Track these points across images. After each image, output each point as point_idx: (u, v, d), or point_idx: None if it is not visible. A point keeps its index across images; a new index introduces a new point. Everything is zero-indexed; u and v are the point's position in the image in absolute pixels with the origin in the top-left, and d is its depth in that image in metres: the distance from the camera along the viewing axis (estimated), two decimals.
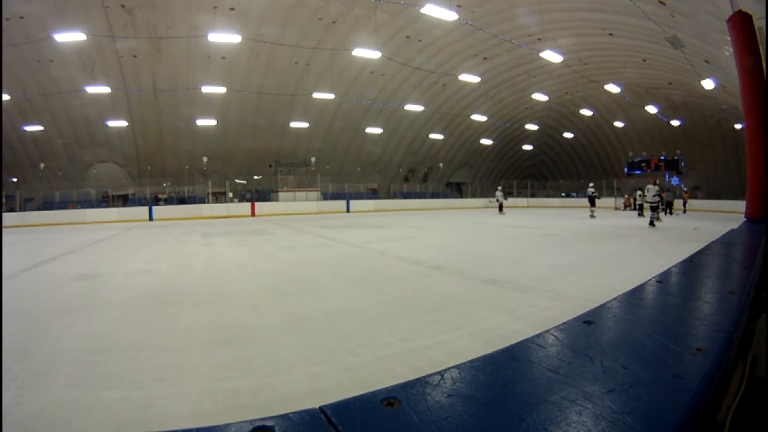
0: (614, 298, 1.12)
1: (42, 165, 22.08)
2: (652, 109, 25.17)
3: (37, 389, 2.34)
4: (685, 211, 17.84)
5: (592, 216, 17.39)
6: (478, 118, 27.71)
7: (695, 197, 22.04)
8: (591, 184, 18.89)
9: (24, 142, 21.13)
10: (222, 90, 19.30)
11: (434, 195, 31.86)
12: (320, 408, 0.53)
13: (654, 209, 12.48)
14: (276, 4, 17.19)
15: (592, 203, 18.24)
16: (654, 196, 12.35)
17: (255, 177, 25.93)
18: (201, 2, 16.41)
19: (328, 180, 27.63)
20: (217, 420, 1.94)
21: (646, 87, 24.15)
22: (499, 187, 20.34)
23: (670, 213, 17.38)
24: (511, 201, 26.57)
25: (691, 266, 1.71)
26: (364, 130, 26.44)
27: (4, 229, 15.65)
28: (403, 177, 32.85)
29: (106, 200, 23.36)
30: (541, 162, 38.92)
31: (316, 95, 21.31)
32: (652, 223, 12.22)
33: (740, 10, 5.15)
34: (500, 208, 20.01)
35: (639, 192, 16.89)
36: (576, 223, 14.28)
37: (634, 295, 1.16)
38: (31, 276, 5.97)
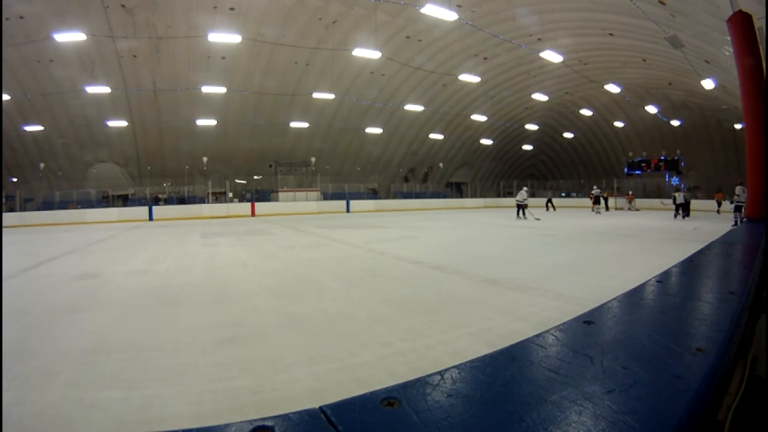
0: (614, 298, 1.12)
1: (42, 165, 22.09)
2: (652, 109, 25.17)
3: (37, 389, 2.34)
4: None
5: (597, 213, 20.25)
6: (478, 118, 27.71)
7: (695, 197, 22.09)
8: (595, 186, 22.77)
9: (24, 142, 21.13)
10: (222, 90, 19.30)
11: (434, 195, 31.85)
12: (320, 408, 0.53)
13: (738, 209, 12.23)
14: (276, 4, 17.19)
15: (597, 202, 21.09)
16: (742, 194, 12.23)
17: (255, 177, 25.94)
18: (201, 2, 16.40)
19: (328, 180, 27.62)
20: (217, 420, 1.94)
21: (646, 87, 24.14)
22: (525, 188, 16.94)
23: (688, 215, 17.14)
24: (511, 201, 26.37)
25: (691, 266, 1.71)
26: (364, 130, 26.44)
27: (4, 229, 15.65)
28: (403, 177, 32.84)
29: (106, 200, 23.35)
30: (541, 162, 38.92)
31: (316, 95, 21.30)
32: (736, 224, 12.01)
33: (740, 10, 5.15)
34: (521, 210, 16.25)
35: (676, 193, 16.95)
36: (576, 223, 14.28)
37: (634, 295, 1.16)
38: (31, 276, 5.97)
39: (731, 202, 13.26)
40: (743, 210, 12.45)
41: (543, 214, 18.16)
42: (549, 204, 23.60)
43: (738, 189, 12.43)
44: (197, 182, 25.27)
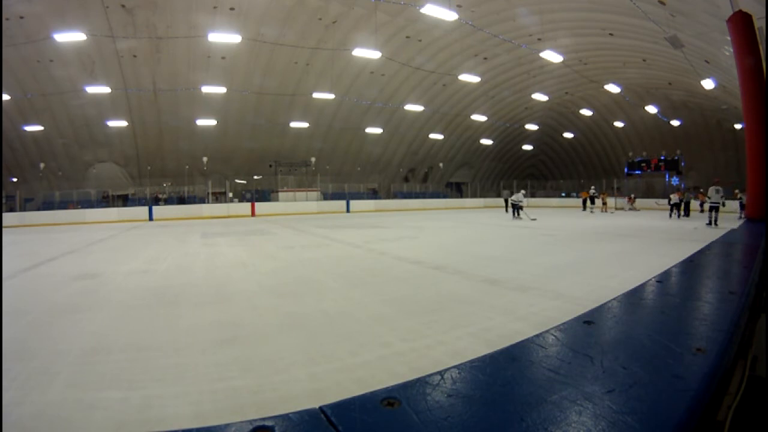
0: (614, 298, 1.12)
1: (42, 165, 22.09)
2: (652, 109, 25.17)
3: (37, 389, 2.34)
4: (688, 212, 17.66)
5: (591, 212, 21.64)
6: (478, 118, 27.71)
7: (695, 198, 22.23)
8: (592, 186, 24.35)
9: (24, 142, 21.13)
10: (222, 90, 19.30)
11: (434, 195, 31.84)
12: (320, 408, 0.53)
13: (714, 209, 12.39)
14: (276, 4, 17.19)
15: (592, 202, 22.68)
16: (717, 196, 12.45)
17: (255, 177, 25.94)
18: (201, 2, 16.40)
19: (328, 180, 27.63)
20: (217, 420, 1.94)
21: (646, 87, 24.15)
22: (523, 191, 17.40)
23: (687, 215, 17.20)
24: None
25: (691, 266, 1.71)
26: (364, 130, 26.44)
27: (4, 229, 15.65)
28: (403, 177, 32.84)
29: (106, 200, 23.35)
30: (541, 162, 38.91)
31: (316, 95, 21.30)
32: (709, 224, 12.31)
33: (740, 10, 5.15)
34: (516, 211, 16.62)
35: (672, 194, 17.16)
36: (575, 223, 14.28)
37: (634, 295, 1.16)
38: (31, 276, 5.97)
39: (700, 204, 13.29)
40: (742, 211, 12.56)
41: (510, 216, 17.53)
42: (508, 204, 21.63)
43: (711, 190, 12.53)
44: (197, 182, 25.27)
